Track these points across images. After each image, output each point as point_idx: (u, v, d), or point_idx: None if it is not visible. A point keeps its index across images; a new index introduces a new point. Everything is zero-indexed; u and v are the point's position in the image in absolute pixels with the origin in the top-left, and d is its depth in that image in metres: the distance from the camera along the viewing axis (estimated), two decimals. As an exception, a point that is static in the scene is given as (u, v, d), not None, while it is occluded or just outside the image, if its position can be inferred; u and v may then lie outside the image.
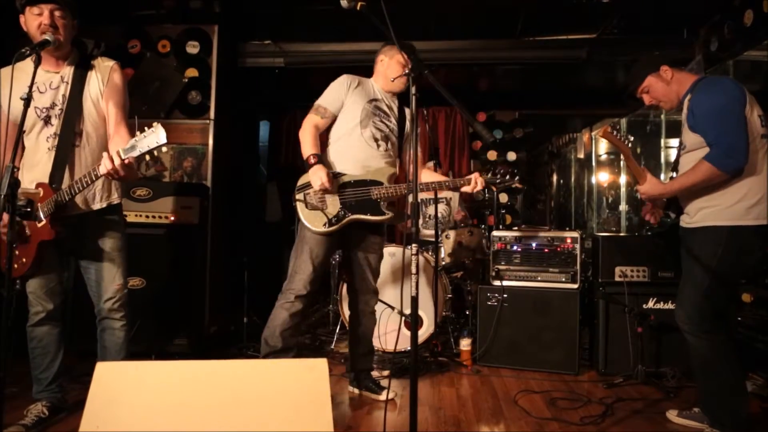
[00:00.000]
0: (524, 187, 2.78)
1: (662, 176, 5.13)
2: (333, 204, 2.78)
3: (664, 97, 2.63)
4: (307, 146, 2.79)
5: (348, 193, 2.79)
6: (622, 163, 6.27)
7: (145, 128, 2.14)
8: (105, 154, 2.22)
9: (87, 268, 2.55)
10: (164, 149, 2.14)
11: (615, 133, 2.62)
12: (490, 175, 2.80)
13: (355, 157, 2.84)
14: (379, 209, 2.79)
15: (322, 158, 2.78)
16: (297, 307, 2.74)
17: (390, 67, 2.90)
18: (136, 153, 2.15)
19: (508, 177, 2.77)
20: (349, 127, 2.85)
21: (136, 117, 2.71)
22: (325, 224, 2.75)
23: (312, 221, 2.77)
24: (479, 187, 2.75)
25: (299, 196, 2.81)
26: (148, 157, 2.18)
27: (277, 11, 4.40)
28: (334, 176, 2.78)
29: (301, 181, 2.83)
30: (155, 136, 2.12)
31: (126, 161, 2.20)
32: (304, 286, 2.75)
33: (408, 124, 3.00)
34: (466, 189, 2.77)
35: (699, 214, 2.49)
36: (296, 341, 2.81)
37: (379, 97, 2.93)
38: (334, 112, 2.87)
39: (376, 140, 2.85)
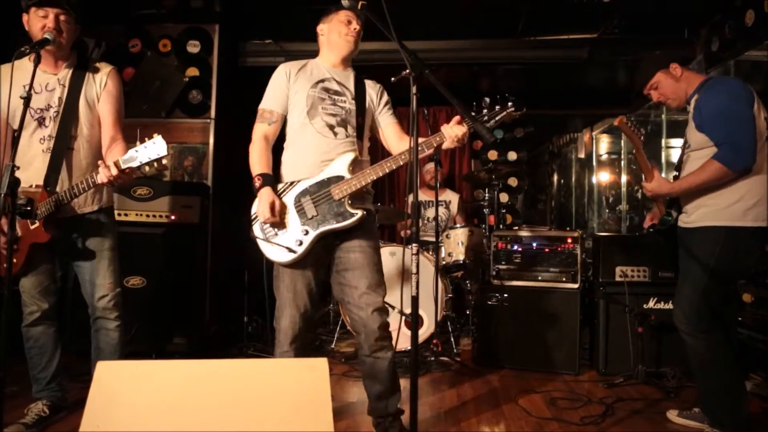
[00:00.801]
0: (522, 110, 2.10)
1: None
2: (292, 224, 2.34)
3: (673, 95, 2.61)
4: (254, 164, 2.42)
5: (306, 203, 2.34)
6: (622, 162, 6.27)
7: (146, 139, 2.14)
8: (101, 163, 2.23)
9: (79, 269, 2.55)
10: (164, 161, 2.14)
11: (629, 124, 2.63)
12: (474, 114, 2.22)
13: (312, 155, 2.39)
14: (346, 211, 2.30)
15: (269, 178, 2.37)
16: (292, 354, 2.35)
17: (332, 31, 2.46)
18: (135, 164, 2.16)
19: (498, 108, 2.17)
20: (299, 123, 2.42)
21: (135, 123, 2.68)
22: (286, 249, 2.31)
23: (276, 253, 2.34)
24: (458, 134, 2.20)
25: (255, 229, 2.41)
26: (147, 168, 2.17)
27: (278, 10, 4.40)
28: (284, 189, 2.41)
29: (253, 210, 2.42)
30: (155, 148, 2.12)
31: (126, 171, 2.20)
32: (292, 328, 2.34)
33: (370, 100, 2.55)
34: (447, 145, 2.27)
35: (696, 214, 2.49)
36: None
37: (327, 76, 2.47)
38: (281, 112, 2.45)
39: (331, 128, 2.40)
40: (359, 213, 2.30)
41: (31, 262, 2.44)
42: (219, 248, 4.33)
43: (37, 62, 2.16)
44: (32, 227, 2.37)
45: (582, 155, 7.05)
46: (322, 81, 2.45)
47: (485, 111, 2.19)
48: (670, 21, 4.37)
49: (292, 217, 2.35)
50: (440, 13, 4.41)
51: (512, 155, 6.41)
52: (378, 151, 2.71)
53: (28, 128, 2.43)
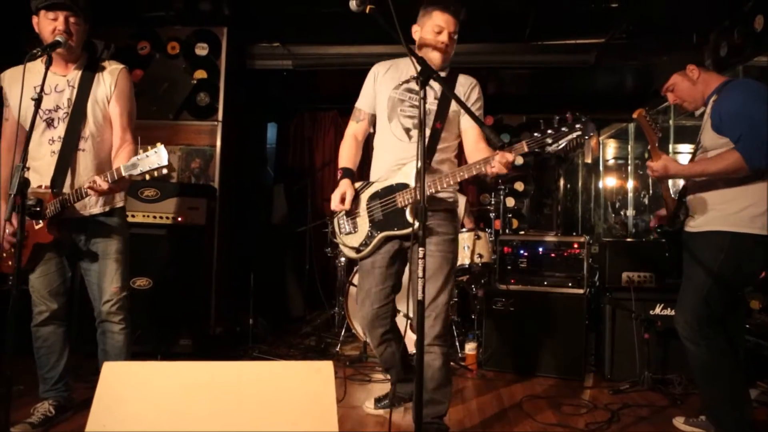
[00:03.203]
0: (592, 135, 1.88)
1: (669, 182, 5.09)
2: (363, 223, 2.47)
3: (689, 97, 2.56)
4: (341, 159, 2.55)
5: (374, 206, 2.44)
6: (629, 168, 6.25)
7: (149, 148, 2.15)
8: (93, 178, 2.26)
9: (87, 270, 2.56)
10: (164, 171, 2.15)
11: (648, 118, 2.55)
12: (537, 134, 2.01)
13: (388, 158, 2.46)
14: (405, 220, 2.35)
15: (348, 172, 2.50)
16: (373, 346, 2.64)
17: (423, 37, 2.42)
18: (136, 171, 2.18)
19: (564, 129, 1.93)
20: (381, 125, 2.52)
21: (143, 131, 2.70)
22: (354, 249, 2.50)
23: (346, 250, 2.55)
24: (503, 159, 2.07)
25: (335, 220, 2.58)
26: (147, 177, 2.19)
27: (286, 14, 4.42)
28: (362, 187, 2.50)
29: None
30: (157, 158, 2.14)
31: (120, 182, 2.24)
32: (366, 318, 2.53)
33: (460, 95, 2.43)
34: (493, 170, 2.13)
35: (703, 218, 2.46)
36: (394, 360, 2.67)
37: (414, 76, 2.31)
38: (370, 111, 2.56)
39: (407, 131, 2.42)
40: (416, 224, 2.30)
41: (36, 262, 2.45)
42: (225, 250, 4.34)
43: (48, 64, 2.18)
44: (36, 227, 2.38)
45: (589, 160, 7.02)
46: (407, 81, 2.45)
47: (549, 131, 1.99)
48: (679, 26, 4.35)
49: (362, 218, 2.47)
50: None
51: (519, 159, 6.39)
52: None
53: (38, 130, 2.43)
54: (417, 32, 2.46)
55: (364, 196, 2.48)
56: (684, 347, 2.55)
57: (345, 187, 2.45)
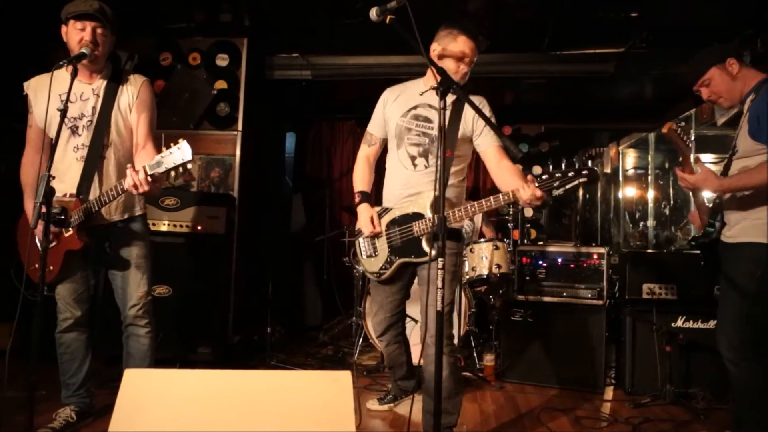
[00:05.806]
0: (596, 180, 1.94)
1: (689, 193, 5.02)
2: (382, 247, 2.54)
3: (726, 93, 2.36)
4: (356, 182, 2.63)
5: (393, 232, 2.50)
6: (649, 178, 6.18)
7: (171, 144, 2.18)
8: (129, 169, 2.27)
9: (113, 276, 2.61)
10: (189, 166, 2.19)
11: (679, 130, 2.43)
12: (545, 176, 2.07)
13: (394, 185, 2.54)
14: (421, 249, 2.42)
15: (366, 196, 2.59)
16: (383, 346, 2.83)
17: (444, 60, 2.37)
18: (162, 169, 2.20)
19: (571, 174, 1.98)
20: (391, 151, 2.56)
21: (162, 133, 2.73)
22: (375, 273, 2.58)
23: (368, 267, 2.61)
24: (532, 194, 2.08)
25: (357, 242, 2.64)
26: (173, 173, 2.22)
27: (305, 25, 4.46)
28: (381, 213, 2.55)
29: (357, 227, 2.64)
30: (181, 153, 2.16)
31: (152, 177, 2.24)
32: (379, 326, 2.73)
33: (464, 123, 2.42)
34: (522, 204, 2.22)
35: (738, 227, 2.32)
36: (401, 359, 2.89)
37: (421, 102, 2.46)
38: (381, 135, 2.60)
39: (413, 159, 2.47)
40: (434, 252, 2.36)
41: (68, 269, 2.50)
42: (243, 259, 4.37)
43: (74, 75, 2.22)
44: (66, 234, 2.43)
45: (608, 170, 6.97)
46: (415, 108, 2.47)
47: (558, 175, 2.05)
48: (699, 35, 4.30)
49: (382, 242, 2.54)
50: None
51: (537, 170, 6.37)
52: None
53: (62, 137, 2.48)
54: (435, 50, 2.41)
55: (383, 223, 2.54)
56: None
57: (369, 211, 2.53)
